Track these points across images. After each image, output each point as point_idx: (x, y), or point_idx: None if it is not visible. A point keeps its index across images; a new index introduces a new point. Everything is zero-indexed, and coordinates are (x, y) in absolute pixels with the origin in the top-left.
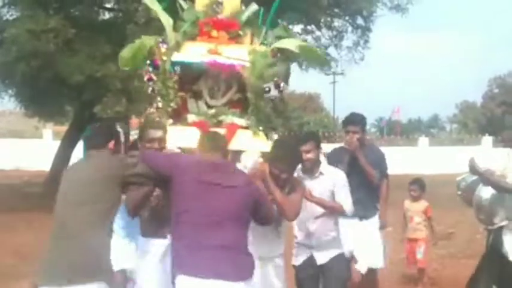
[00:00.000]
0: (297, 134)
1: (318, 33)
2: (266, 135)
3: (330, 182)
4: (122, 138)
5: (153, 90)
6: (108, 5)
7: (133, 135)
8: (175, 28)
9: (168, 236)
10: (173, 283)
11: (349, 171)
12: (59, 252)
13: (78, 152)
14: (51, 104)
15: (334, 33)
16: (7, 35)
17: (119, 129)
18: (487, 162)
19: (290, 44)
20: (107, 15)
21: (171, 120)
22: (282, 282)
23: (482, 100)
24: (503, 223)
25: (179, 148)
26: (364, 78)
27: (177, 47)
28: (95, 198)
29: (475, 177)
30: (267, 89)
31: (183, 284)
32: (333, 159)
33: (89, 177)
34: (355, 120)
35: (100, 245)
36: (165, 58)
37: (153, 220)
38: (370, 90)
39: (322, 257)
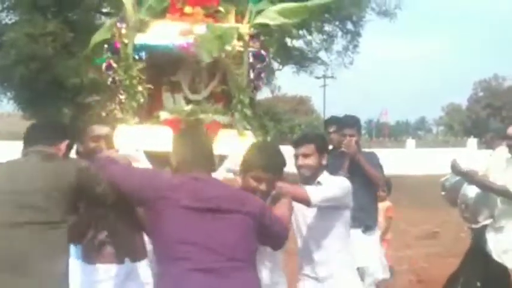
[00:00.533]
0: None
1: (309, 37)
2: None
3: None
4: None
5: (113, 81)
6: (104, 10)
7: None
8: (139, 3)
9: (127, 261)
10: None
11: (350, 177)
12: None
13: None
14: (49, 107)
15: (325, 37)
16: (6, 39)
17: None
18: (470, 163)
19: (269, 16)
20: (103, 20)
21: (136, 119)
22: None
23: (468, 103)
24: (487, 221)
25: (145, 153)
26: (354, 82)
27: (141, 26)
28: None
29: (458, 178)
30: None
31: None
32: (332, 165)
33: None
34: (351, 123)
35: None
36: (126, 40)
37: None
38: (359, 93)
39: None
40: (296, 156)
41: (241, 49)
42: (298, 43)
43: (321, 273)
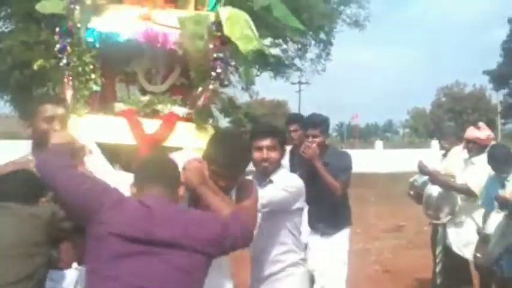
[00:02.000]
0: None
1: (284, 46)
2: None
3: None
4: None
5: (67, 65)
6: None
7: None
8: None
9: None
10: None
11: (309, 181)
12: None
13: None
14: None
15: (299, 46)
16: (3, 46)
17: None
18: (433, 164)
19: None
20: None
21: (87, 109)
22: None
23: (431, 107)
24: (448, 218)
25: (97, 143)
26: (327, 87)
27: (96, 10)
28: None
29: (425, 178)
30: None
31: None
32: (296, 163)
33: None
34: (315, 123)
35: None
36: (79, 24)
37: None
38: (331, 98)
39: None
40: (259, 148)
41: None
42: (274, 51)
43: (266, 272)
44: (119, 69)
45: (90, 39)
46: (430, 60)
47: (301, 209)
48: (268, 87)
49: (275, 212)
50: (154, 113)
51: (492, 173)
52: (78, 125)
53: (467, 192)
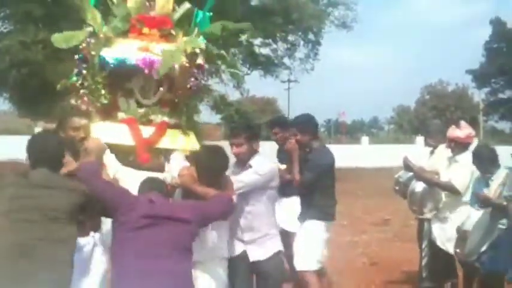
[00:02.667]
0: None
1: (274, 46)
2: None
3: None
4: None
5: (82, 85)
6: None
7: None
8: (106, 23)
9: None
10: None
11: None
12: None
13: None
14: (41, 105)
15: (289, 46)
16: (1, 46)
17: None
18: (418, 160)
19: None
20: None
21: (98, 118)
22: (222, 278)
23: (416, 105)
24: (432, 213)
25: (106, 143)
26: (315, 85)
27: (107, 42)
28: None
29: (409, 175)
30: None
31: None
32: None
33: (49, 200)
34: (295, 122)
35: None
36: (93, 52)
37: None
38: (319, 96)
39: (254, 252)
40: (231, 145)
41: (187, 64)
42: (265, 50)
43: (246, 238)
44: (121, 86)
45: (101, 65)
46: (415, 59)
47: (274, 187)
48: (258, 85)
49: (253, 190)
50: (149, 122)
51: (475, 170)
52: (92, 130)
53: (451, 189)
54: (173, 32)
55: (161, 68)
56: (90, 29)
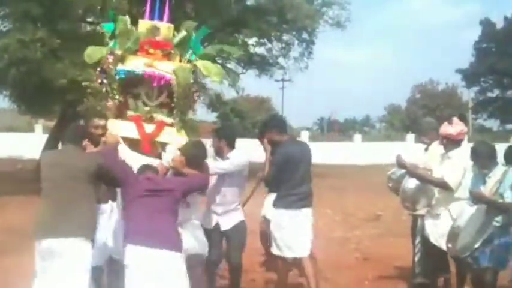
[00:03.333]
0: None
1: (269, 45)
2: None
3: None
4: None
5: (104, 91)
6: (89, 19)
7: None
8: (121, 44)
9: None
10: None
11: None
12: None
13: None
14: (40, 103)
15: (283, 45)
16: (0, 44)
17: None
18: (411, 158)
19: (199, 64)
20: (88, 28)
21: (112, 116)
22: (200, 237)
23: (407, 104)
24: (425, 209)
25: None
26: (308, 84)
27: (122, 59)
28: (83, 180)
29: (402, 172)
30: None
31: (133, 252)
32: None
33: (77, 165)
34: (267, 126)
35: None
36: (111, 67)
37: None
38: (312, 94)
39: (225, 223)
40: (217, 148)
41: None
42: (259, 50)
43: (219, 211)
44: (131, 91)
45: (119, 74)
46: (406, 59)
47: (244, 175)
48: (252, 84)
49: (228, 174)
50: (151, 120)
51: (468, 167)
52: (108, 127)
53: (444, 186)
54: (173, 52)
55: (179, 86)
56: (109, 48)
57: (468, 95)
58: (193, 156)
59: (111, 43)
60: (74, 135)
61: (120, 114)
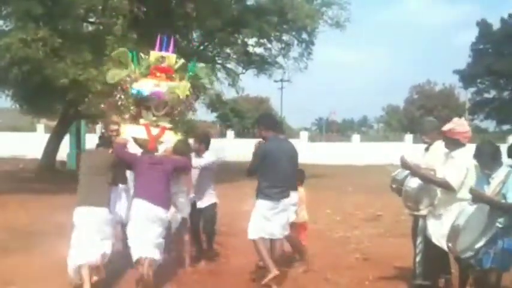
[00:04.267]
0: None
1: (269, 45)
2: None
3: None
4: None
5: (121, 104)
6: (90, 19)
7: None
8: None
9: (119, 185)
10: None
11: None
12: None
13: (65, 142)
14: (42, 103)
15: (283, 45)
16: (2, 43)
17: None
18: (413, 158)
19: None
20: (89, 28)
21: (128, 122)
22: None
23: (404, 104)
24: (427, 209)
25: (133, 137)
26: (307, 84)
27: (136, 81)
28: (104, 170)
29: (406, 173)
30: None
31: (138, 204)
32: None
33: (102, 161)
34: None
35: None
36: (128, 85)
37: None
38: (311, 95)
39: (201, 203)
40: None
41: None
42: (259, 50)
43: (197, 193)
44: (143, 104)
45: (133, 92)
46: (404, 59)
47: (214, 169)
48: (252, 85)
49: (203, 168)
50: (157, 126)
51: (471, 167)
52: (125, 129)
53: (446, 187)
54: (174, 76)
55: (175, 100)
56: (127, 72)
57: (465, 95)
58: (180, 149)
59: (130, 67)
60: (102, 143)
61: (135, 121)
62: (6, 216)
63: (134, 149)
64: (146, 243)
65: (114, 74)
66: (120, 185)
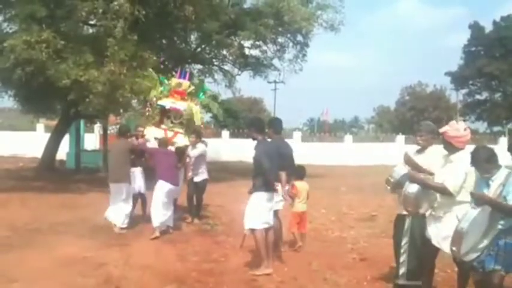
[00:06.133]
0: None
1: (264, 47)
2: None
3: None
4: (102, 131)
5: (149, 114)
6: (91, 22)
7: (111, 129)
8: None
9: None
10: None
11: None
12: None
13: (65, 141)
14: (43, 103)
15: (278, 47)
16: (6, 45)
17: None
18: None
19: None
20: (90, 30)
21: (153, 126)
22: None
23: (396, 105)
24: (427, 212)
25: (155, 138)
26: (299, 85)
27: (160, 99)
28: (124, 154)
29: (401, 174)
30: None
31: (162, 184)
32: None
33: (122, 147)
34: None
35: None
36: (154, 100)
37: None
38: (303, 95)
39: (196, 178)
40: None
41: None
42: (255, 52)
43: (194, 172)
44: (165, 114)
45: (157, 107)
46: (395, 61)
47: (204, 156)
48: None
49: (197, 156)
50: (172, 130)
51: (470, 170)
52: (150, 131)
53: (444, 192)
54: (186, 98)
55: (188, 114)
56: (155, 93)
57: (456, 97)
58: (180, 150)
59: (158, 89)
60: (122, 132)
61: (158, 126)
62: (7, 214)
63: (153, 145)
64: (164, 214)
65: (150, 93)
66: (138, 167)
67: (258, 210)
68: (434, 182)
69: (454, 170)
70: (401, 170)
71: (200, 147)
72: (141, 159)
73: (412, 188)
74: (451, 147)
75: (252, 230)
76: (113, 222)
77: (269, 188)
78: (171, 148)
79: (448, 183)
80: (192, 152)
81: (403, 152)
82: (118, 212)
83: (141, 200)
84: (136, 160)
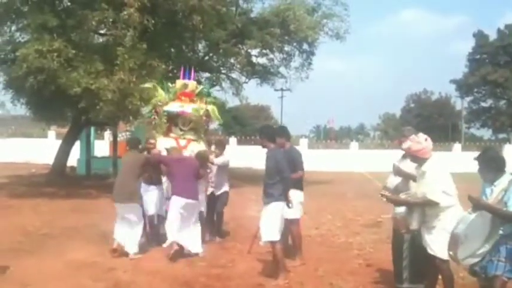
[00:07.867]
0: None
1: (271, 56)
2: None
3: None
4: (112, 138)
5: (155, 122)
6: (101, 31)
7: (120, 136)
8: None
9: (157, 185)
10: (168, 199)
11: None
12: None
13: (76, 148)
14: (55, 111)
15: (284, 56)
16: (19, 54)
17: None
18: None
19: (209, 108)
20: (100, 39)
21: (162, 136)
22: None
23: (401, 112)
24: (416, 228)
25: (165, 148)
26: (306, 93)
27: (166, 104)
28: (134, 169)
29: (397, 182)
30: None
31: (175, 200)
32: None
33: (132, 160)
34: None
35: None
36: (160, 107)
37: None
38: (309, 103)
39: (217, 191)
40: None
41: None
42: (262, 60)
43: (214, 185)
44: (173, 121)
45: (164, 114)
46: (401, 69)
47: (227, 167)
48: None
49: (219, 166)
50: (184, 138)
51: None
52: (160, 141)
53: (428, 203)
54: (195, 99)
55: (197, 117)
56: (158, 99)
57: (461, 104)
58: (200, 155)
59: (161, 96)
60: (132, 144)
61: (167, 135)
62: (20, 219)
63: (165, 154)
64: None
65: (153, 98)
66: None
67: (277, 221)
68: (416, 197)
69: (429, 179)
70: (394, 180)
71: (223, 158)
72: (159, 174)
73: (399, 209)
74: (419, 160)
75: (272, 242)
76: (124, 248)
77: (287, 197)
78: (191, 154)
79: (430, 195)
80: (217, 160)
81: (392, 164)
82: (128, 237)
83: (157, 221)
84: (153, 175)
